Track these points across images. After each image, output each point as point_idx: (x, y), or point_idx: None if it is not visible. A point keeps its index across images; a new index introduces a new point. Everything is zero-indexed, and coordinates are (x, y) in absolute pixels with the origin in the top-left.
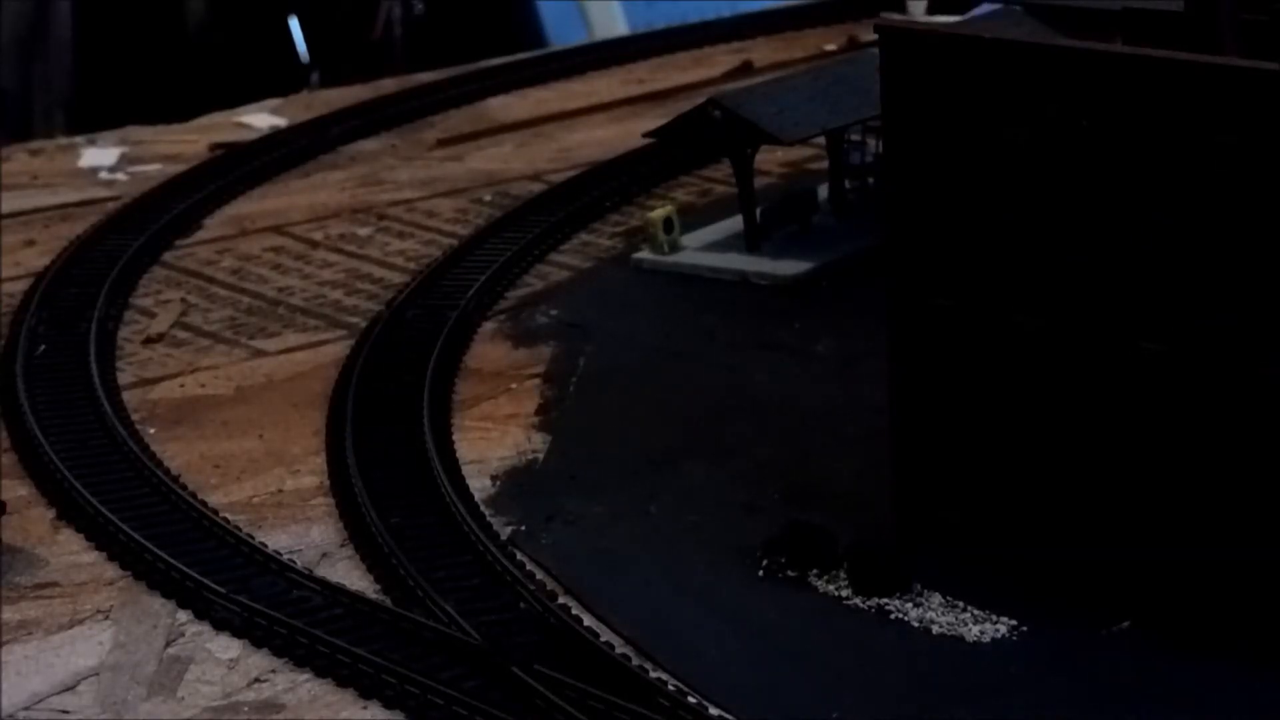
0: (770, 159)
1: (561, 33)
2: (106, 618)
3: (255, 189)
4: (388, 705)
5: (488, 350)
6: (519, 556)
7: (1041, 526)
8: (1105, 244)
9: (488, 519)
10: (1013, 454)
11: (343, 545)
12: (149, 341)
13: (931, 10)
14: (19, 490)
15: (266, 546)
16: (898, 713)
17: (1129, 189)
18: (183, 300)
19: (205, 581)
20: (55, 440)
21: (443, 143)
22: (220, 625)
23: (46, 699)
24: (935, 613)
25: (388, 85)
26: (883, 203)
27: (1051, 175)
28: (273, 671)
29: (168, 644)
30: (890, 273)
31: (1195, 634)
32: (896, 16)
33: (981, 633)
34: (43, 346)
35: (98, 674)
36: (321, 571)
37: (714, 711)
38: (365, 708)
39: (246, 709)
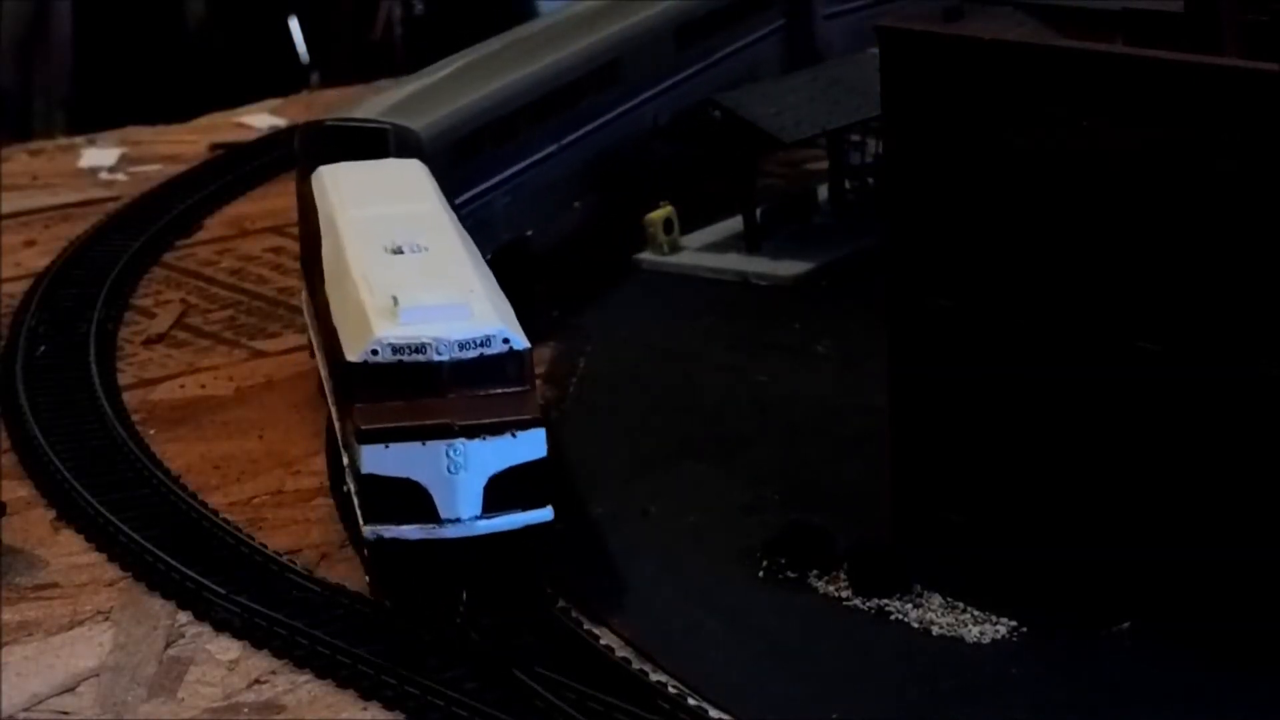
0: (770, 159)
1: None
2: (106, 619)
3: (255, 189)
4: (388, 706)
5: None
6: None
7: (1041, 527)
8: (1104, 244)
9: None
10: (1012, 454)
11: (343, 546)
12: (149, 342)
13: None
14: (19, 491)
15: (266, 547)
16: (898, 713)
17: (1129, 189)
18: (183, 301)
19: (205, 582)
20: (55, 441)
21: None
22: (220, 626)
23: (46, 700)
24: (935, 613)
25: (388, 85)
26: (883, 203)
27: (1051, 175)
28: (273, 673)
29: (168, 645)
30: (890, 273)
31: (1195, 634)
32: None
33: (981, 633)
34: (43, 347)
35: (98, 675)
36: (321, 572)
37: (714, 713)
38: (365, 709)
39: (247, 710)
